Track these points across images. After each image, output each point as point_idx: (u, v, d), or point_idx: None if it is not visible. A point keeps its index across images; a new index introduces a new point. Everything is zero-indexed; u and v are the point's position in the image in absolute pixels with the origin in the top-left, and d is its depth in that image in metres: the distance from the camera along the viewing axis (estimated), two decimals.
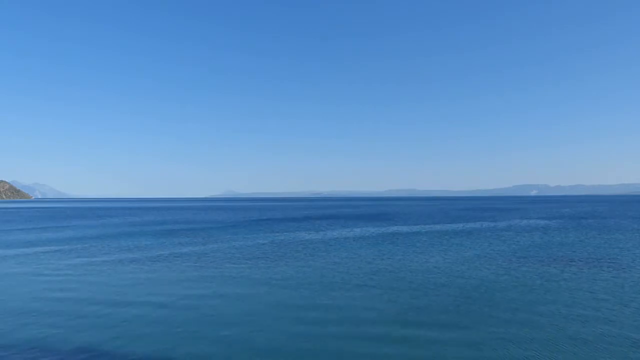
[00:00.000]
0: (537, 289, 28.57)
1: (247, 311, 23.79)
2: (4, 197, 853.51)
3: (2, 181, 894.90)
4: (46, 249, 51.05)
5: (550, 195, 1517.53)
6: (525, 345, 18.27)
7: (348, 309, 24.11)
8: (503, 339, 19.11)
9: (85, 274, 35.19)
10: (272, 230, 75.79)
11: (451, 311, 23.46)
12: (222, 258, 43.05)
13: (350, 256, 43.83)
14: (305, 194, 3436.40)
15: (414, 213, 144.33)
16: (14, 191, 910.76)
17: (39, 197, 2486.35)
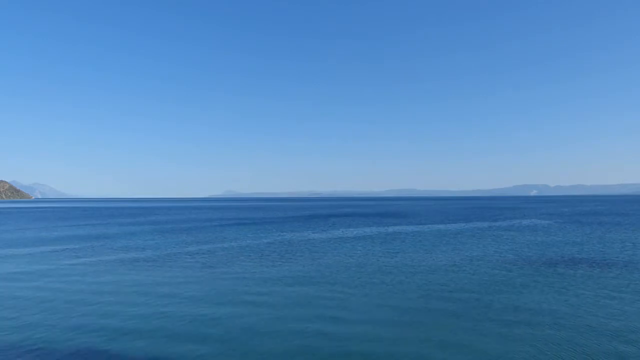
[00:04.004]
0: (543, 287, 28.91)
1: (251, 310, 24.11)
2: (4, 197, 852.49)
3: (2, 181, 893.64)
4: (54, 248, 51.38)
5: (550, 195, 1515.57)
6: (535, 345, 18.60)
7: (351, 308, 24.48)
8: (511, 338, 19.42)
9: (90, 273, 35.53)
10: (276, 230, 76.12)
11: (457, 311, 23.79)
12: (229, 257, 43.39)
13: (354, 255, 44.19)
14: (305, 194, 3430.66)
15: (415, 213, 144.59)
16: (14, 191, 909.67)
17: (39, 197, 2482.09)
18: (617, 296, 26.10)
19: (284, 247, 50.78)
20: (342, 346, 18.20)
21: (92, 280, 32.09)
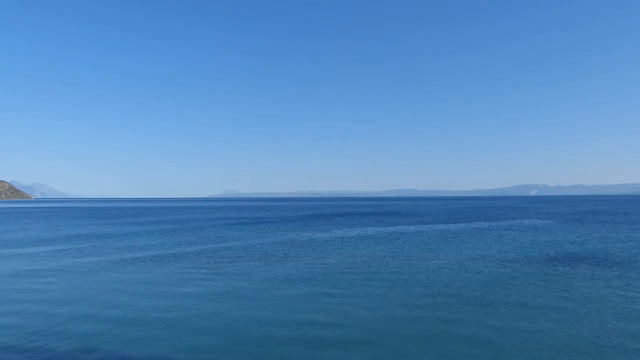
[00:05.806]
0: (547, 286, 28.97)
1: (255, 309, 24.19)
2: (4, 197, 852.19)
3: (2, 181, 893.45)
4: (56, 248, 51.42)
5: (550, 195, 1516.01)
6: (539, 343, 18.65)
7: (355, 307, 24.56)
8: (516, 337, 19.46)
9: (92, 272, 35.56)
10: (278, 229, 76.20)
11: (461, 309, 23.86)
12: (232, 256, 43.43)
13: (357, 254, 44.26)
14: (305, 194, 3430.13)
15: (416, 212, 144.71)
16: (14, 191, 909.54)
17: (39, 197, 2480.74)
18: (622, 294, 26.17)
19: (287, 247, 50.86)
20: (345, 345, 18.28)
21: (94, 280, 32.12)
